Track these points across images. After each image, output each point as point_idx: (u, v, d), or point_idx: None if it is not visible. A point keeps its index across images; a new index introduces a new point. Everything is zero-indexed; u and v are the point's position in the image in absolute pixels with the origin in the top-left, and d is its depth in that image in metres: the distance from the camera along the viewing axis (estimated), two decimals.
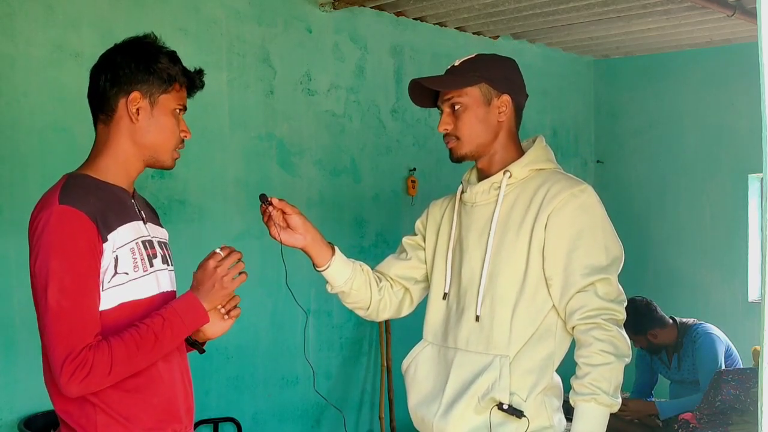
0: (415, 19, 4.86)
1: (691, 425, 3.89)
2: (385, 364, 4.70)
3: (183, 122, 1.89)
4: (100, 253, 1.70)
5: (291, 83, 4.34)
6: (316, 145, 4.46)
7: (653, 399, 4.55)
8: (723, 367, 4.24)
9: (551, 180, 2.07)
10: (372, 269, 2.28)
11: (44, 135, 3.45)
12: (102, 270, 1.71)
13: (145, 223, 1.86)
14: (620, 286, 2.03)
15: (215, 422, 3.98)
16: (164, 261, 1.89)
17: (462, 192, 2.21)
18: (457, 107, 2.09)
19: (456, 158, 2.14)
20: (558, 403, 2.10)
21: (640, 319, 4.25)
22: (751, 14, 4.37)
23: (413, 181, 4.89)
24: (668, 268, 5.81)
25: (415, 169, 4.92)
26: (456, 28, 5.06)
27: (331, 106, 4.53)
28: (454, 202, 2.23)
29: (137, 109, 1.80)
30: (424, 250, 2.29)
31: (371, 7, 4.59)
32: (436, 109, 2.19)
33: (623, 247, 2.08)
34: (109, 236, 1.72)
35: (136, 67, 1.80)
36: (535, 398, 2.02)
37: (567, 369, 2.05)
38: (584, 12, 4.65)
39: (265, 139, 4.24)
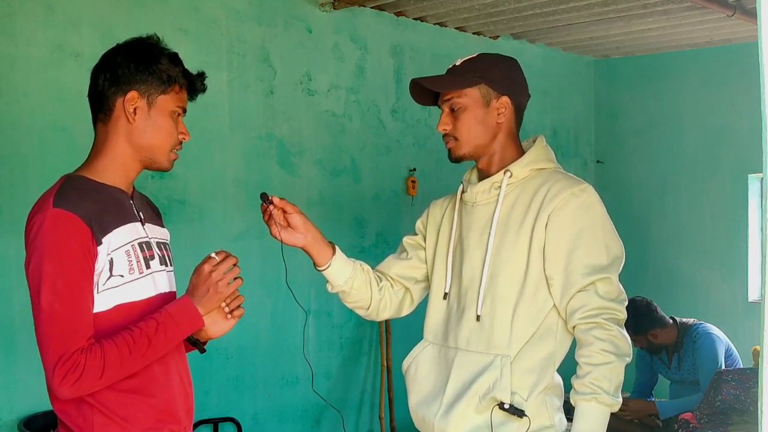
0: (415, 19, 4.86)
1: (691, 425, 3.90)
2: (385, 364, 4.70)
3: (182, 124, 1.88)
4: (94, 256, 1.70)
5: (291, 83, 4.34)
6: (316, 145, 4.46)
7: (653, 399, 4.55)
8: (723, 367, 4.24)
9: (552, 179, 2.07)
10: (372, 269, 2.28)
11: (44, 135, 3.45)
12: (97, 272, 1.71)
13: (143, 225, 1.86)
14: (621, 286, 2.03)
15: (215, 422, 3.98)
16: (162, 262, 1.88)
17: (462, 192, 2.21)
18: (456, 108, 2.09)
19: (454, 158, 2.14)
20: (559, 402, 2.10)
21: (640, 319, 4.26)
22: (751, 14, 4.37)
23: (413, 181, 4.89)
24: (668, 268, 5.81)
25: (415, 169, 4.92)
26: (456, 28, 5.06)
27: (331, 106, 4.53)
28: (455, 202, 2.23)
29: (134, 109, 1.80)
30: (425, 249, 2.29)
31: (371, 7, 4.59)
32: (436, 107, 2.19)
33: (623, 247, 2.08)
34: (105, 239, 1.72)
35: (135, 66, 1.79)
36: (536, 398, 2.02)
37: (568, 369, 2.05)
38: (584, 12, 4.65)
39: (265, 139, 4.24)
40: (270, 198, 2.07)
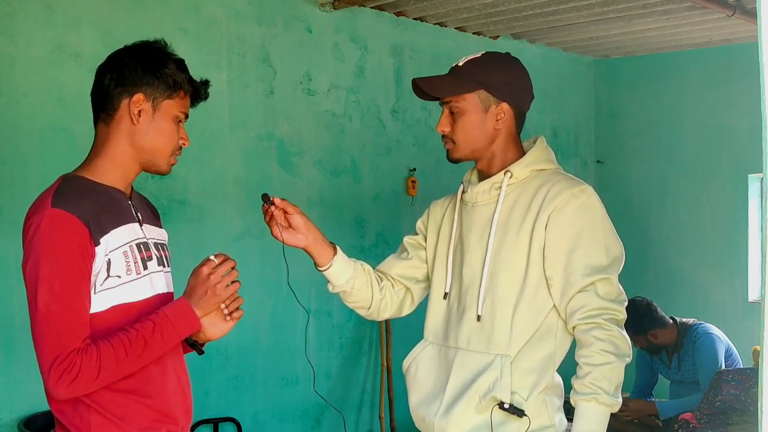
0: (415, 19, 4.86)
1: (691, 425, 3.90)
2: (385, 364, 4.70)
3: (183, 130, 1.89)
4: (92, 256, 1.70)
5: (291, 83, 4.34)
6: (316, 145, 4.46)
7: (653, 399, 4.55)
8: (723, 367, 4.24)
9: (552, 180, 2.07)
10: (373, 269, 2.28)
11: (44, 135, 3.45)
12: (94, 273, 1.72)
13: (141, 225, 1.86)
14: (620, 286, 2.04)
15: (215, 422, 3.98)
16: (160, 263, 1.88)
17: (463, 192, 2.21)
18: (455, 111, 2.10)
19: (452, 160, 2.16)
20: (559, 402, 2.10)
21: (640, 319, 4.25)
22: (751, 14, 4.37)
23: (413, 181, 4.89)
24: (668, 268, 5.81)
25: (415, 169, 4.92)
26: (456, 28, 5.06)
27: (331, 106, 4.53)
28: (455, 202, 2.23)
29: (139, 111, 1.80)
30: (425, 249, 2.29)
31: (371, 7, 4.59)
32: (437, 107, 2.19)
33: (623, 248, 2.08)
34: (102, 239, 1.72)
35: (143, 69, 1.80)
36: (536, 397, 2.02)
37: (568, 369, 2.05)
38: (584, 12, 4.65)
39: (265, 139, 4.24)
40: (271, 199, 2.08)
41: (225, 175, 4.08)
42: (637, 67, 6.02)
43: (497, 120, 2.10)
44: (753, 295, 5.52)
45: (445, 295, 2.18)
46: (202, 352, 1.96)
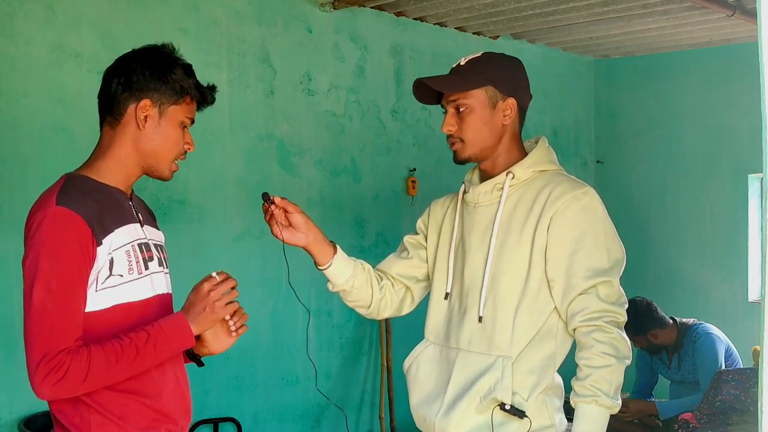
0: (415, 19, 4.86)
1: (691, 425, 3.90)
2: (385, 364, 4.70)
3: (188, 135, 1.89)
4: (93, 257, 1.70)
5: (291, 83, 4.34)
6: (316, 145, 4.46)
7: (653, 399, 4.55)
8: (723, 367, 4.24)
9: (554, 182, 2.07)
10: (373, 268, 2.28)
11: (44, 135, 3.45)
12: (96, 271, 1.71)
13: (142, 226, 1.87)
14: (621, 289, 2.04)
15: (215, 422, 3.98)
16: (160, 264, 1.89)
17: (464, 192, 2.21)
18: (461, 109, 2.08)
19: (460, 160, 2.14)
20: (559, 402, 2.10)
21: (640, 319, 4.25)
22: (751, 14, 4.37)
23: (413, 181, 4.89)
24: (668, 268, 5.81)
25: (415, 169, 4.92)
26: (456, 28, 5.06)
27: (331, 106, 4.53)
28: (456, 202, 2.23)
29: (145, 117, 1.81)
30: (426, 249, 2.29)
31: (371, 7, 4.59)
32: (436, 107, 2.19)
33: (625, 250, 2.08)
34: (106, 239, 1.73)
35: (150, 74, 1.80)
36: (536, 398, 2.02)
37: (568, 370, 2.05)
38: (584, 12, 4.65)
39: (265, 139, 4.24)
40: (271, 198, 2.08)
41: (225, 175, 4.08)
42: (637, 67, 6.02)
43: (505, 116, 2.10)
44: (753, 295, 5.52)
45: (446, 296, 2.18)
46: (202, 364, 1.95)
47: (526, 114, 2.19)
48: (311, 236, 2.12)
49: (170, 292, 1.93)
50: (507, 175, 2.10)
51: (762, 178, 5.39)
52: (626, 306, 2.04)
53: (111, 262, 1.73)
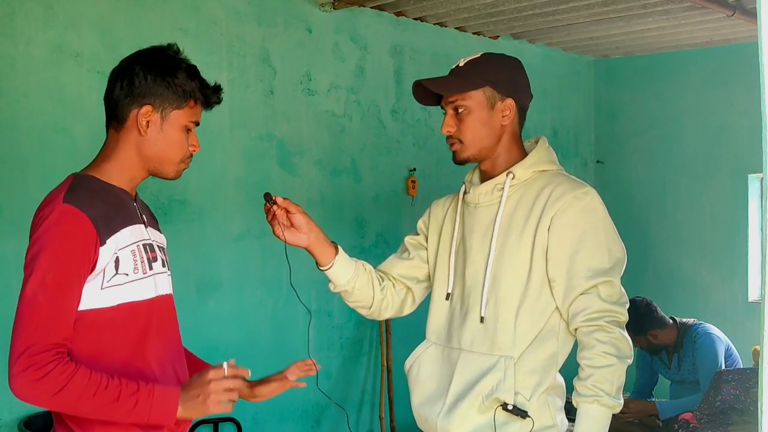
0: (415, 19, 4.86)
1: (691, 425, 3.90)
2: (386, 364, 4.70)
3: (194, 136, 1.87)
4: (93, 259, 1.70)
5: (291, 83, 4.34)
6: (316, 145, 4.46)
7: (653, 399, 4.55)
8: (723, 367, 4.24)
9: (554, 182, 2.07)
10: (374, 268, 2.28)
11: (44, 135, 3.45)
12: (100, 269, 1.71)
13: (146, 227, 1.87)
14: (622, 289, 2.04)
15: (215, 422, 3.98)
16: (163, 265, 1.89)
17: (465, 192, 2.21)
18: (460, 110, 2.09)
19: (459, 161, 2.14)
20: (561, 402, 2.10)
21: (640, 319, 4.25)
22: (751, 14, 4.37)
23: (413, 181, 4.89)
24: (668, 268, 5.81)
25: (415, 170, 4.92)
26: (456, 28, 5.06)
27: (331, 106, 4.53)
28: (457, 202, 2.23)
29: (147, 122, 1.80)
30: (427, 249, 2.29)
31: (371, 7, 4.59)
32: (436, 107, 2.19)
33: (625, 250, 2.08)
34: (111, 239, 1.72)
35: (152, 79, 1.79)
36: (538, 398, 2.03)
37: (570, 370, 2.05)
38: (584, 12, 4.65)
39: (265, 139, 4.24)
40: (273, 198, 2.08)
41: (225, 175, 4.08)
42: (637, 67, 6.03)
43: (503, 116, 2.10)
44: (753, 295, 5.52)
45: (448, 296, 2.18)
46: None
47: (527, 114, 2.19)
48: (313, 237, 2.12)
49: (171, 293, 1.94)
50: (507, 175, 2.10)
51: (762, 178, 5.39)
52: (627, 306, 2.04)
53: (117, 261, 1.73)
